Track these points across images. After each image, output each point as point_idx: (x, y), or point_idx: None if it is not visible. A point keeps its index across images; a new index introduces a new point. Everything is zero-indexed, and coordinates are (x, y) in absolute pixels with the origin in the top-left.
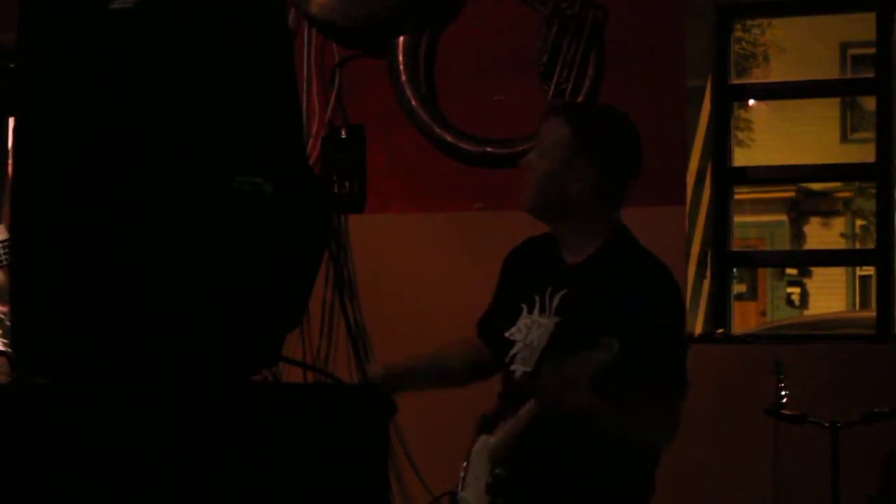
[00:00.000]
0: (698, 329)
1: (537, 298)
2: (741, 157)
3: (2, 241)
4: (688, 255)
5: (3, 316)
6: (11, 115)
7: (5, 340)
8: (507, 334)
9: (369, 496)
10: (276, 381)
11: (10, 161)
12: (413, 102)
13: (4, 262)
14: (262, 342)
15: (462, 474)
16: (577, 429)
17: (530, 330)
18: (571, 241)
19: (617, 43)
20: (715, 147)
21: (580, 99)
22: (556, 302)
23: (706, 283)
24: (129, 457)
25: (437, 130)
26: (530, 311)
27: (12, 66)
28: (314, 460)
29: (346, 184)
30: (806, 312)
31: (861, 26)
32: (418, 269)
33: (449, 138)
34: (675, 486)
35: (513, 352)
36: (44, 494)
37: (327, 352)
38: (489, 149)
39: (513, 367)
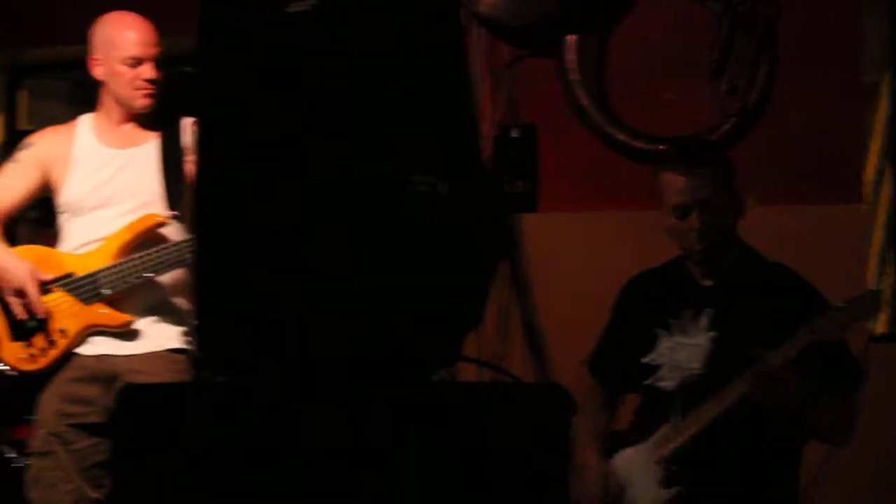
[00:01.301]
0: (880, 328)
1: (674, 322)
2: None
3: (184, 241)
4: (866, 253)
5: (186, 313)
6: (187, 117)
7: (187, 338)
8: (646, 360)
9: (550, 495)
10: (454, 381)
11: (186, 162)
12: (584, 101)
13: (188, 261)
14: (442, 342)
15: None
16: (763, 418)
17: (674, 351)
18: (706, 265)
19: (790, 39)
20: (894, 143)
21: (753, 98)
22: (703, 321)
23: (887, 282)
24: (309, 457)
25: (609, 129)
26: (670, 335)
27: (185, 69)
28: (496, 459)
29: (519, 183)
30: None
31: None
32: (590, 268)
33: (621, 137)
34: (856, 482)
35: (658, 375)
36: (227, 493)
37: (502, 351)
38: (661, 147)
39: (660, 385)
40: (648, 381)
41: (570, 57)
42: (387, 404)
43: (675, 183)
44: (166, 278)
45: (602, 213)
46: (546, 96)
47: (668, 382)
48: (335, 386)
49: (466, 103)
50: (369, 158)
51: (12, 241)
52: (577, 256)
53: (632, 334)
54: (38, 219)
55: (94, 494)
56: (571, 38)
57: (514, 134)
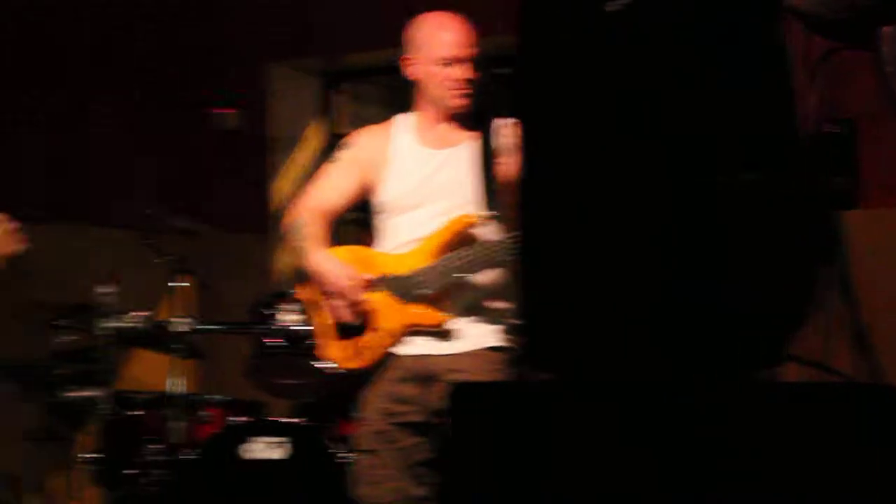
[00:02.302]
0: None
1: None
2: None
3: (499, 241)
4: None
5: (503, 312)
6: (498, 119)
7: (506, 337)
8: None
9: (885, 496)
10: (776, 381)
11: (498, 164)
12: None
13: (505, 261)
14: (769, 341)
15: None
16: None
17: None
18: None
19: None
20: None
21: None
22: None
23: None
24: (632, 455)
25: None
26: None
27: (501, 70)
28: (827, 459)
29: (838, 180)
30: None
31: None
32: None
33: None
34: None
35: None
36: (551, 490)
37: (827, 352)
38: None
39: None
40: None
41: (887, 48)
42: (712, 404)
43: None
44: (481, 278)
45: None
46: (863, 90)
47: None
48: (659, 385)
49: (786, 97)
50: (690, 156)
51: (335, 241)
52: None
53: None
54: (358, 219)
55: (417, 492)
56: (887, 30)
57: (832, 129)
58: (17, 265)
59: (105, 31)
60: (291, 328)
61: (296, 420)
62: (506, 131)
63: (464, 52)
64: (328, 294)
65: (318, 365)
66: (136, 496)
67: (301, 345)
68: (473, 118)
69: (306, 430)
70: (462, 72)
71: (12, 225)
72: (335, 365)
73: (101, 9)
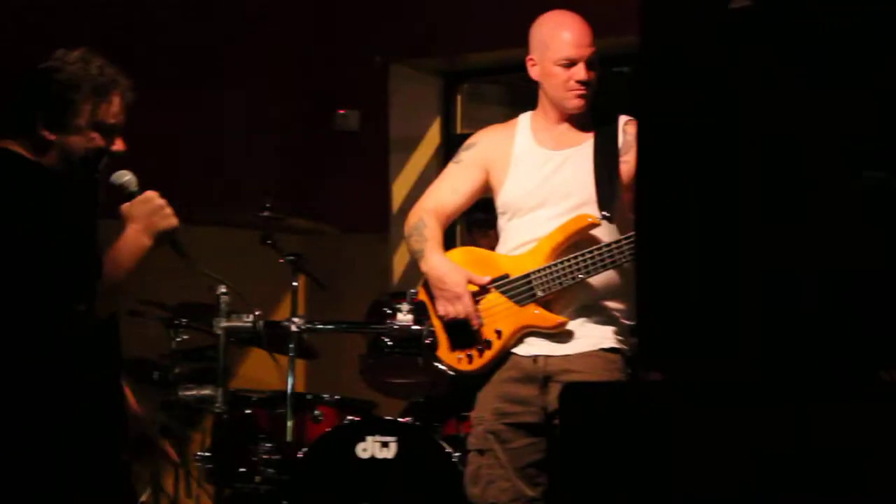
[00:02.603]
0: None
1: None
2: None
3: (615, 243)
4: None
5: (617, 314)
6: (622, 116)
7: (620, 338)
8: None
9: None
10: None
11: (621, 163)
12: None
13: (621, 262)
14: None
15: None
16: None
17: None
18: None
19: None
20: None
21: None
22: None
23: None
24: (743, 458)
25: None
26: None
27: (621, 69)
28: None
29: None
30: None
31: None
32: None
33: None
34: None
35: None
36: (659, 495)
37: None
38: None
39: None
40: None
41: None
42: (831, 405)
43: None
44: (597, 279)
45: None
46: None
47: None
48: (776, 386)
49: None
50: (817, 155)
51: (449, 242)
52: None
53: None
54: (481, 220)
55: (530, 493)
56: None
57: None
58: (178, 244)
59: (228, 30)
60: (405, 328)
61: (408, 419)
62: (630, 129)
63: (582, 53)
64: (444, 296)
65: (432, 366)
66: (248, 494)
67: (415, 345)
68: (594, 117)
69: (418, 429)
70: (580, 73)
71: (161, 201)
72: (450, 367)
73: (224, 9)
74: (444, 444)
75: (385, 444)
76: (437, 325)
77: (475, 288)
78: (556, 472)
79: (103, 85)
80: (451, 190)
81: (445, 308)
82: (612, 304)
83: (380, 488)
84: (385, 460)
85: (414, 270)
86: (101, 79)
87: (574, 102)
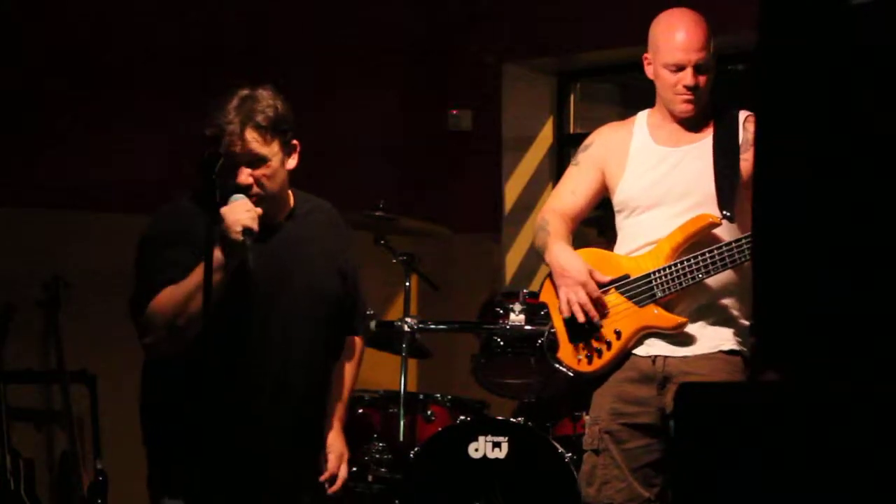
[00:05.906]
0: None
1: None
2: None
3: (735, 242)
4: None
5: (737, 314)
6: (742, 112)
7: (740, 339)
8: None
9: None
10: None
11: (742, 160)
12: None
13: (741, 261)
14: None
15: None
16: None
17: None
18: None
19: None
20: None
21: None
22: None
23: None
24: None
25: None
26: None
27: (737, 67)
28: None
29: None
30: None
31: None
32: None
33: None
34: None
35: None
36: (777, 494)
37: None
38: None
39: None
40: None
41: None
42: None
43: None
44: (716, 279)
45: None
46: None
47: None
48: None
49: None
50: None
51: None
52: None
53: None
54: (598, 218)
55: (645, 494)
56: None
57: None
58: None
59: (341, 31)
60: (517, 328)
61: (521, 419)
62: (750, 125)
63: (690, 57)
64: (566, 283)
65: (545, 366)
66: (360, 493)
67: (527, 345)
68: (713, 113)
69: (530, 429)
70: (687, 79)
71: (255, 209)
72: (569, 368)
73: (337, 11)
74: (557, 445)
75: (497, 444)
76: (559, 327)
77: (597, 283)
78: (669, 472)
79: None
80: (570, 192)
81: (567, 295)
82: (731, 304)
83: (491, 488)
84: (497, 460)
85: (526, 271)
86: None
87: (681, 107)
